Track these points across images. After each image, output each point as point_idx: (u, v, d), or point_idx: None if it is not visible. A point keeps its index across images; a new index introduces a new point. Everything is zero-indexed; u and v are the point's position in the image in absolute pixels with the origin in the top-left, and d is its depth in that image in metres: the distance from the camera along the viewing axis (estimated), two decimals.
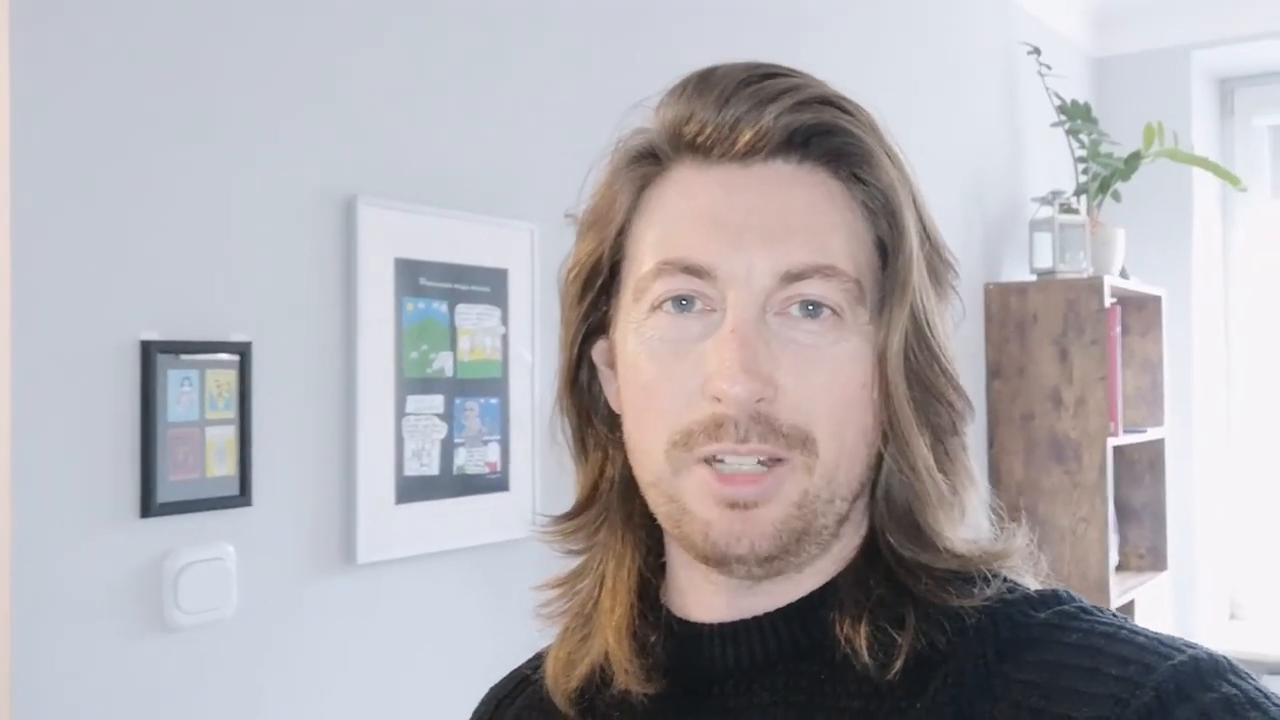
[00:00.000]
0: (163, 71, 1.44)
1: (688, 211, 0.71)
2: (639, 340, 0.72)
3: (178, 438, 1.44)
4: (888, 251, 0.72)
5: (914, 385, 0.71)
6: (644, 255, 0.72)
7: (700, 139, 0.71)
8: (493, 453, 1.84)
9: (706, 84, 0.71)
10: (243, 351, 1.51)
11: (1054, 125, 3.53)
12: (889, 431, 0.72)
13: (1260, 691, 0.61)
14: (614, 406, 0.77)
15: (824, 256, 0.69)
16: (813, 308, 0.69)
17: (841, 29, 2.81)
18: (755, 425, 0.67)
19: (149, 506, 1.41)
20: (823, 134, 0.71)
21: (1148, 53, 4.07)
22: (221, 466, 1.49)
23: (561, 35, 2.01)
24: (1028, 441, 3.32)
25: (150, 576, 1.42)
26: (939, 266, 0.75)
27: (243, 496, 1.51)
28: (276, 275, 1.56)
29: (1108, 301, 3.25)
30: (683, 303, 0.70)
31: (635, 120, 0.76)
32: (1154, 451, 3.62)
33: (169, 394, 1.43)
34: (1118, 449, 3.39)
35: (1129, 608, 3.37)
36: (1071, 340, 3.27)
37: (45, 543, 1.33)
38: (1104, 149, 3.52)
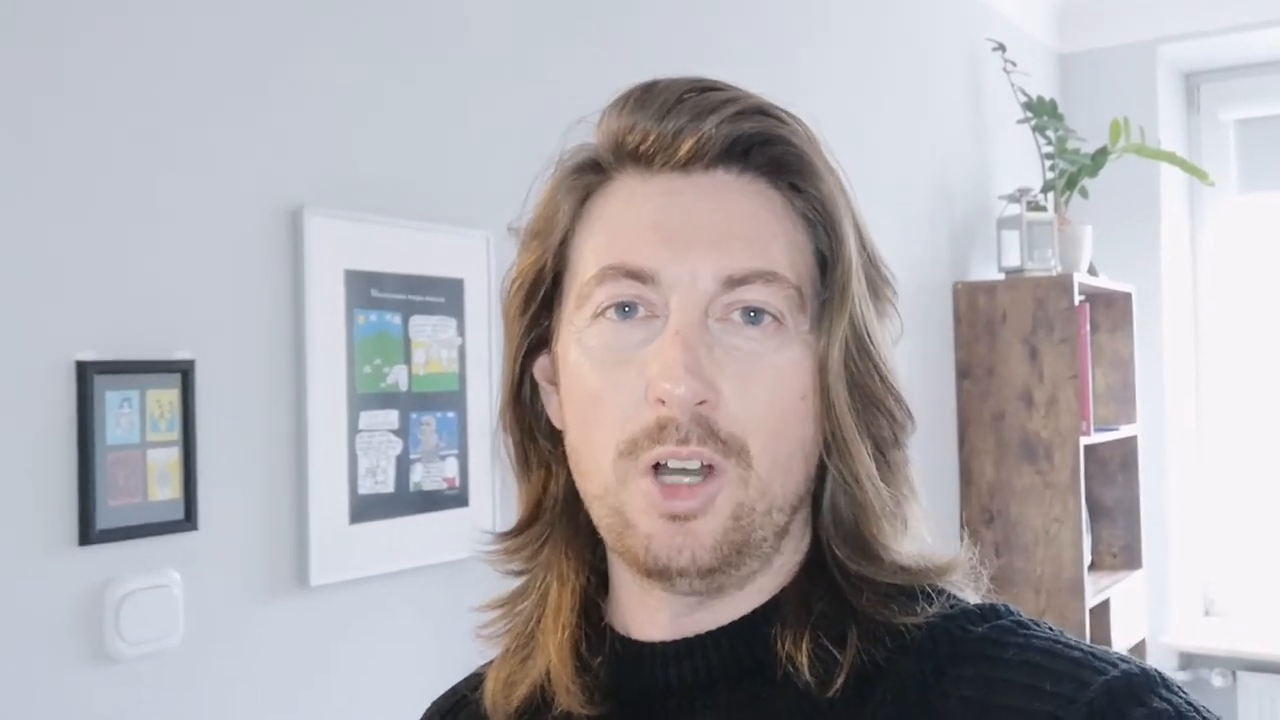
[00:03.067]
0: (96, 75, 1.39)
1: (631, 218, 0.72)
2: (581, 350, 0.72)
3: (118, 461, 1.38)
4: (827, 263, 0.73)
5: (855, 394, 0.72)
6: (587, 262, 0.73)
7: (643, 148, 0.72)
8: (451, 468, 1.78)
9: (648, 96, 0.73)
10: (185, 370, 1.45)
11: (1020, 122, 3.51)
12: (831, 441, 0.72)
13: (1190, 705, 0.63)
14: (555, 423, 0.78)
15: (765, 262, 0.70)
16: (755, 314, 0.70)
17: (805, 28, 2.77)
18: (696, 427, 0.68)
19: (88, 533, 1.35)
20: (762, 144, 0.72)
21: (1113, 48, 4.05)
22: (165, 490, 1.43)
23: (517, 38, 1.96)
24: (999, 442, 3.30)
25: (90, 606, 1.36)
26: (877, 281, 0.76)
27: (188, 521, 1.45)
28: (220, 289, 1.50)
29: (1077, 299, 3.23)
30: (625, 309, 0.70)
31: (579, 135, 0.77)
32: (1126, 449, 3.60)
33: (107, 415, 1.37)
34: (1089, 448, 3.37)
35: (1104, 607, 3.36)
36: (1041, 339, 3.24)
37: None
38: (1070, 145, 3.51)
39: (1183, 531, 4.06)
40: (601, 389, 0.71)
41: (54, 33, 1.35)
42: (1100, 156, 3.52)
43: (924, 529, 0.76)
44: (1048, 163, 3.51)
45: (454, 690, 0.89)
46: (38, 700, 1.32)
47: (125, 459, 1.39)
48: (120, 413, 1.39)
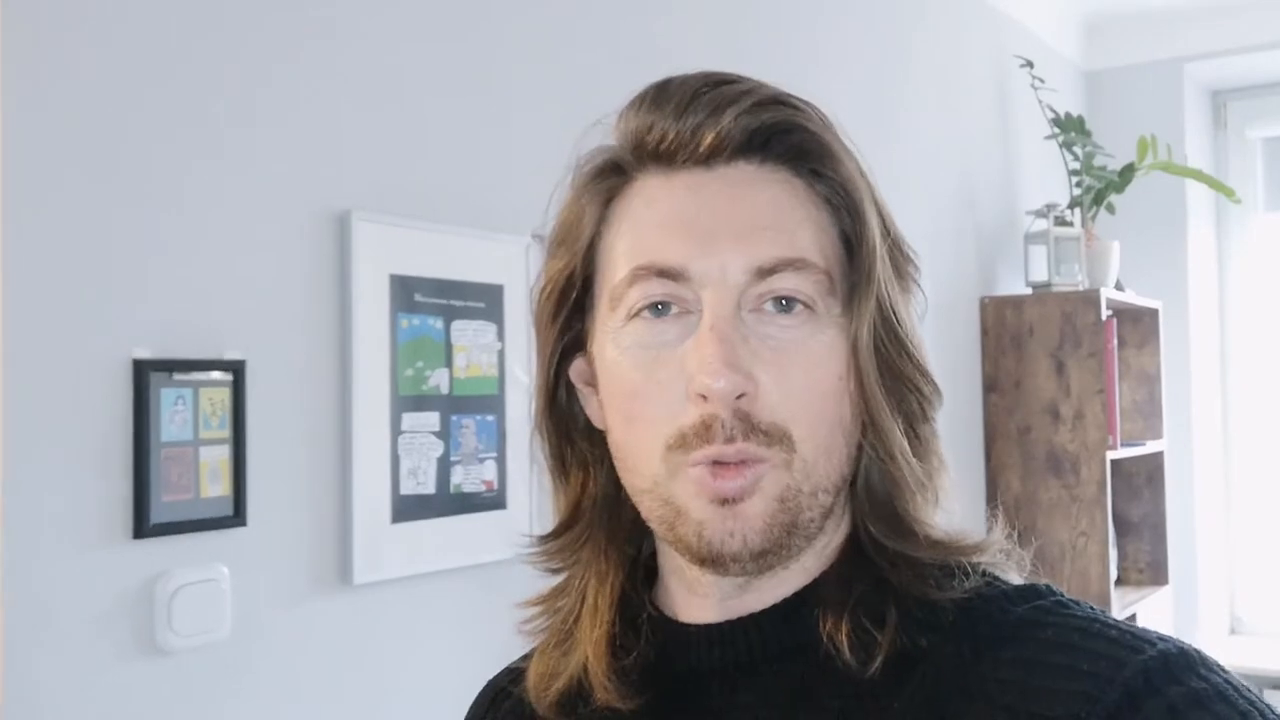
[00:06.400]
0: (154, 84, 1.43)
1: (657, 217, 0.72)
2: (619, 349, 0.72)
3: (171, 457, 1.42)
4: (852, 245, 0.73)
5: (885, 373, 0.72)
6: (617, 264, 0.73)
7: (663, 147, 0.73)
8: (489, 470, 1.81)
9: (664, 95, 0.73)
10: (237, 369, 1.49)
11: (1048, 138, 3.53)
12: (866, 421, 0.73)
13: (1229, 684, 0.62)
14: (596, 423, 0.78)
15: (793, 250, 0.70)
16: (786, 302, 0.70)
17: (833, 43, 2.80)
18: (739, 423, 0.68)
19: (141, 528, 1.39)
20: (781, 133, 0.73)
21: (1140, 65, 4.06)
22: (215, 486, 1.46)
23: (557, 47, 2.00)
24: (1025, 456, 3.30)
25: (143, 598, 1.40)
26: (900, 261, 0.77)
27: (237, 517, 1.48)
28: (270, 292, 1.54)
29: (1104, 314, 3.24)
30: (659, 308, 0.71)
31: (594, 138, 0.77)
32: (1153, 465, 3.60)
33: (162, 413, 1.41)
34: (1115, 462, 3.37)
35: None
36: (1068, 353, 3.25)
37: (36, 565, 1.30)
38: (1098, 162, 3.52)
39: (1209, 548, 4.05)
40: (643, 386, 0.71)
41: (107, 37, 1.39)
42: (1127, 173, 3.53)
43: (954, 501, 0.76)
44: (1074, 179, 3.53)
45: (491, 685, 0.91)
46: (91, 689, 1.35)
47: (178, 456, 1.43)
48: (174, 410, 1.42)
